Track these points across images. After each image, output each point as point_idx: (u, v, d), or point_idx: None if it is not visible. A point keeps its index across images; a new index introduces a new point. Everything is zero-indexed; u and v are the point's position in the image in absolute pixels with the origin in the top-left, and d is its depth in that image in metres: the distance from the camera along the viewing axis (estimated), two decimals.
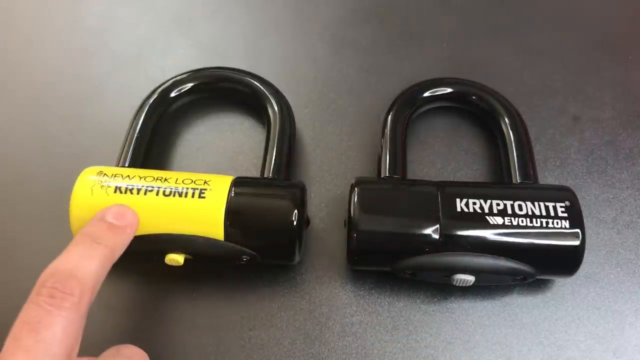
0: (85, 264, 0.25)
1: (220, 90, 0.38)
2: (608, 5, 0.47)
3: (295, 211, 0.29)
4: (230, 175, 0.31)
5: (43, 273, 0.24)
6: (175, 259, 0.29)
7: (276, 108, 0.36)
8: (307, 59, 0.43)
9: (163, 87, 0.37)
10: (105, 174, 0.30)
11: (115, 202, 0.29)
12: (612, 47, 0.44)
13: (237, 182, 0.30)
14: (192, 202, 0.29)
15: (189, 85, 0.37)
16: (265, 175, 0.33)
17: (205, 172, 0.32)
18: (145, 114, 0.35)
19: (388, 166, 0.33)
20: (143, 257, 0.30)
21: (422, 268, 0.30)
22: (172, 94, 0.37)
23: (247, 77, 0.37)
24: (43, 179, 0.37)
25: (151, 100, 0.36)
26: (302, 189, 0.31)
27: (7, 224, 0.35)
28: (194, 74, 0.37)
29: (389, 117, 0.36)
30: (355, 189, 0.30)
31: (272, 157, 0.33)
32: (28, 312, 0.22)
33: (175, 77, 0.37)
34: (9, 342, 0.22)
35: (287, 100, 0.37)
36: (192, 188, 0.29)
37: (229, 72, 0.38)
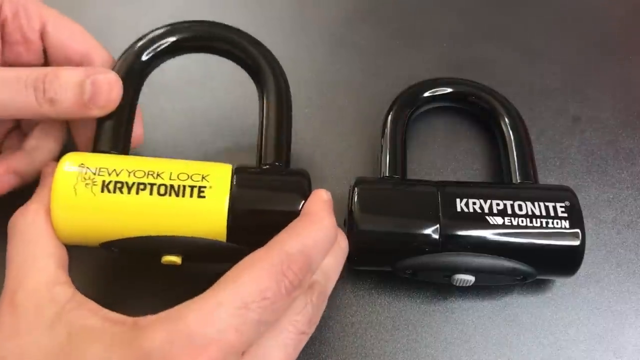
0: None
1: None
2: (608, 5, 0.47)
3: (303, 202, 0.28)
4: (226, 162, 0.29)
5: None
6: (172, 260, 0.28)
7: (273, 82, 0.33)
8: (307, 59, 0.43)
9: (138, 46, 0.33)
10: (87, 166, 0.27)
11: (103, 203, 0.26)
12: (612, 47, 0.44)
13: (239, 176, 0.28)
14: (192, 203, 0.27)
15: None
16: (263, 162, 0.30)
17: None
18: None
19: (388, 166, 0.33)
20: (139, 257, 0.30)
21: (422, 268, 0.30)
22: (144, 57, 0.33)
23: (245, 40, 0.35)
24: None
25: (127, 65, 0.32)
26: (308, 179, 0.29)
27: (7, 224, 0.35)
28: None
29: (389, 117, 0.36)
30: (355, 189, 0.30)
31: (272, 140, 0.31)
32: None
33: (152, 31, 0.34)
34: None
35: (283, 71, 0.34)
36: (189, 185, 0.27)
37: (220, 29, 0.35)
